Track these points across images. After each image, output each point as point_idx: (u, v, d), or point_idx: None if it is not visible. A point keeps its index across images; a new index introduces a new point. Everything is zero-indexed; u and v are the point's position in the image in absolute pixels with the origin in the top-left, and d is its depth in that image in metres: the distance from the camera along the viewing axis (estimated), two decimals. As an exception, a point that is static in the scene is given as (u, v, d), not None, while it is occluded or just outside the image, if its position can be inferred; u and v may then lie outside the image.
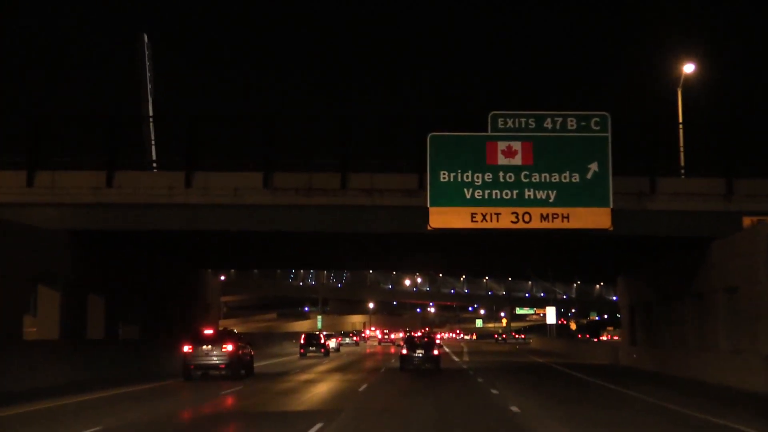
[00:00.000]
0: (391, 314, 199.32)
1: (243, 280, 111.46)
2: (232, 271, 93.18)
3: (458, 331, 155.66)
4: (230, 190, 26.90)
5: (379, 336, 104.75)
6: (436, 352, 35.29)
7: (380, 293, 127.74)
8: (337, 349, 62.51)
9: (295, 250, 38.58)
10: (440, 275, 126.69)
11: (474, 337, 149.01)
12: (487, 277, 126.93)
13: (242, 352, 29.41)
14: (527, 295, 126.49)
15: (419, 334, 46.22)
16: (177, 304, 40.46)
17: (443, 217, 25.83)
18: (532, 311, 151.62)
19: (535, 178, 25.74)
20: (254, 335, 59.38)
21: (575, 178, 25.71)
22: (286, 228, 27.92)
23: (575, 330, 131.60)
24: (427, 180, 25.90)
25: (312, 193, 26.79)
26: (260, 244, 35.62)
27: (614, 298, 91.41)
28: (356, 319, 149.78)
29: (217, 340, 28.62)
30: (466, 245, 34.82)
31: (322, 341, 51.64)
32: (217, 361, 28.11)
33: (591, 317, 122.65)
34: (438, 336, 71.75)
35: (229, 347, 28.35)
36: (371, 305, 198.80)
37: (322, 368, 38.06)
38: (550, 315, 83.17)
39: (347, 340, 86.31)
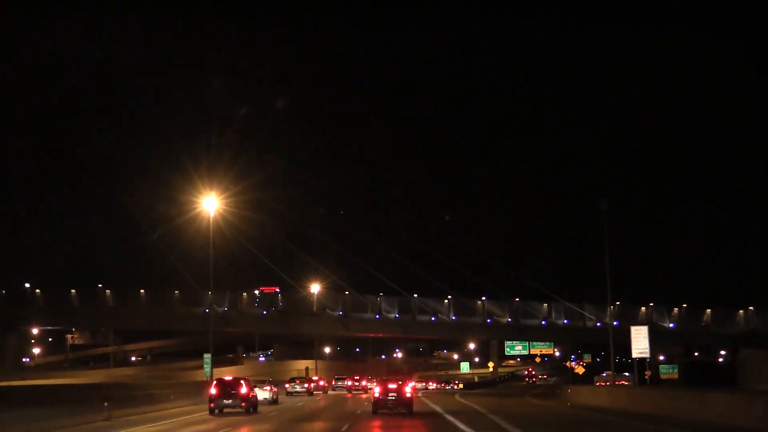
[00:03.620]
0: (352, 360, 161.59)
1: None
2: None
3: (439, 383, 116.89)
4: None
5: (349, 383, 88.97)
6: (408, 394, 35.75)
7: (327, 322, 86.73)
8: (273, 401, 49.45)
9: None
10: (415, 296, 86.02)
11: (459, 385, 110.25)
12: (483, 298, 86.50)
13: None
14: (544, 323, 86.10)
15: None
16: None
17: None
18: (545, 345, 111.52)
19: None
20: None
21: None
22: None
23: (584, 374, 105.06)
24: None
25: None
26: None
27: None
28: (302, 365, 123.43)
29: None
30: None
31: (244, 390, 37.16)
32: None
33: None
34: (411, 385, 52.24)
35: None
36: (327, 350, 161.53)
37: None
38: (640, 338, 42.81)
39: (297, 387, 70.84)
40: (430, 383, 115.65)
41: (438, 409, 41.73)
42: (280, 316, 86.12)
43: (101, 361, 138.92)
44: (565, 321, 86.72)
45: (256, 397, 40.72)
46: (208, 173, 58.33)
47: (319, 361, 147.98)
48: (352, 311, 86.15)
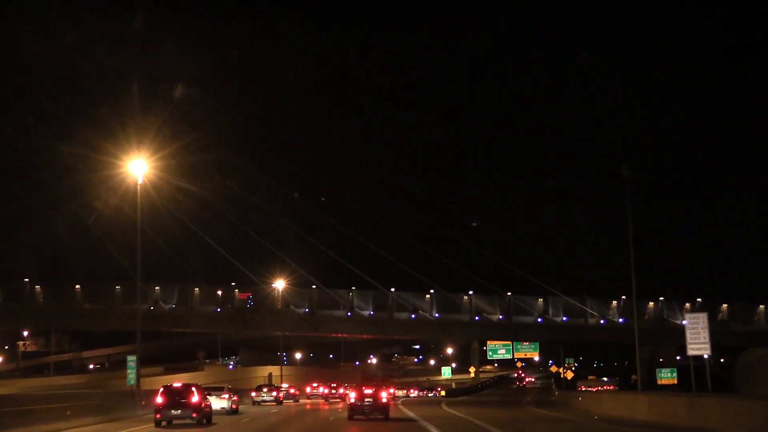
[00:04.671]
0: (323, 366, 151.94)
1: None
2: None
3: (421, 390, 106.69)
4: None
5: (325, 391, 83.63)
6: (384, 399, 35.68)
7: (291, 321, 75.38)
8: (232, 411, 44.51)
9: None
10: (393, 290, 74.85)
11: (442, 393, 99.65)
12: (471, 292, 75.47)
13: None
14: (540, 320, 75.19)
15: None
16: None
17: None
18: (529, 348, 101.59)
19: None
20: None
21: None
22: None
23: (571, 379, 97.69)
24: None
25: None
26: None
27: None
28: (270, 372, 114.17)
29: None
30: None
31: (195, 399, 33.56)
32: None
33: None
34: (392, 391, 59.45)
35: None
36: (298, 355, 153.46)
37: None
38: (698, 329, 31.97)
39: (264, 396, 63.05)
40: (412, 390, 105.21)
41: (431, 429, 30.89)
42: (237, 314, 74.63)
43: (60, 370, 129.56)
44: (564, 318, 75.92)
45: (210, 406, 36.82)
46: (140, 139, 46.92)
47: (288, 367, 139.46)
48: (319, 308, 74.87)
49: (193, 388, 34.50)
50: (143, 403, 40.23)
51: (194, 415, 33.65)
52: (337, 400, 74.67)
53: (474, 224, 77.20)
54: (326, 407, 57.49)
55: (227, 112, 69.54)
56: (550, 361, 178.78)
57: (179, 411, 33.48)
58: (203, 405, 34.83)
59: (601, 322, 75.78)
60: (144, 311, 72.33)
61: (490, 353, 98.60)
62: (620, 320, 76.10)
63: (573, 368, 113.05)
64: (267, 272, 73.70)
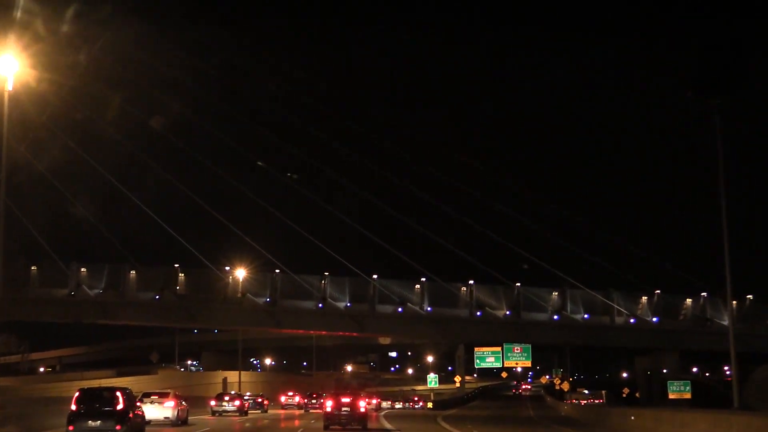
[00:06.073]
0: (295, 374, 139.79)
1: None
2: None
3: (405, 401, 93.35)
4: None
5: (305, 401, 71.85)
6: (363, 409, 34.57)
7: (249, 313, 60.84)
8: (179, 422, 39.31)
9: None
10: (375, 277, 60.36)
11: (429, 405, 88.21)
12: (471, 282, 61.07)
13: None
14: (556, 317, 61.03)
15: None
16: None
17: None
18: (521, 357, 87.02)
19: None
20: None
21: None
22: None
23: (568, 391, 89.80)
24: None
25: None
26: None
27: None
28: (235, 377, 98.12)
29: None
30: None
31: (120, 406, 28.94)
32: None
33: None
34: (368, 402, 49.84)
35: None
36: (269, 361, 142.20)
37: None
38: None
39: (225, 405, 53.45)
40: (397, 403, 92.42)
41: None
42: (181, 304, 59.97)
43: (8, 373, 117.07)
44: (585, 315, 61.79)
45: (142, 416, 32.75)
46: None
47: (255, 373, 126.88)
48: (284, 298, 60.46)
49: (118, 393, 29.69)
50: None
51: (118, 427, 28.88)
52: (319, 411, 61.45)
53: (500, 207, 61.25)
54: (297, 422, 47.32)
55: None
56: (530, 373, 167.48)
57: (98, 422, 28.89)
58: (132, 414, 29.99)
59: (631, 321, 61.72)
60: (64, 297, 58.05)
61: (478, 361, 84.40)
62: (653, 319, 62.10)
63: (570, 379, 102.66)
64: (219, 252, 59.46)
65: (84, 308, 59.20)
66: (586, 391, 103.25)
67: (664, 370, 72.84)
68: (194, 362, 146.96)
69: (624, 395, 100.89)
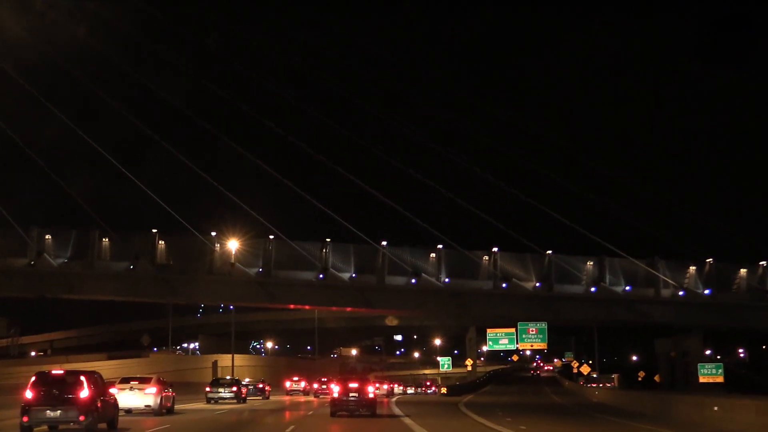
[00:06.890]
0: (297, 358, 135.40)
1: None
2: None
3: (417, 386, 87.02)
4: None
5: (314, 386, 69.70)
6: (371, 394, 34.05)
7: (238, 286, 52.89)
8: (162, 410, 35.36)
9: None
10: (384, 243, 52.27)
11: (443, 390, 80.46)
12: (495, 249, 52.89)
13: None
14: (593, 290, 52.88)
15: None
16: None
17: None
18: (536, 338, 79.00)
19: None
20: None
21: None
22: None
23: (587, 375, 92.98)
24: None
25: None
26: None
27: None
28: (227, 361, 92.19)
29: None
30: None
31: (84, 394, 25.73)
32: None
33: None
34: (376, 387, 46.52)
35: None
36: (270, 344, 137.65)
37: None
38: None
39: (221, 392, 48.84)
40: (409, 388, 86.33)
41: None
42: (159, 275, 51.87)
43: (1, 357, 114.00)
44: (627, 287, 53.58)
45: (114, 404, 28.12)
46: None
47: (253, 357, 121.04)
48: (278, 268, 52.40)
49: (82, 377, 26.36)
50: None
51: (81, 417, 25.69)
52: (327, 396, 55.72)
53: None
54: (301, 410, 43.53)
55: None
56: (537, 357, 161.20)
57: (58, 412, 25.74)
58: (99, 402, 26.55)
59: (680, 293, 53.47)
60: (24, 268, 50.08)
61: (491, 343, 76.47)
62: (705, 291, 53.95)
63: (590, 362, 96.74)
64: (206, 217, 51.50)
65: (46, 281, 51.13)
66: (595, 375, 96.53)
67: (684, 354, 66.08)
68: (195, 345, 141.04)
69: (639, 379, 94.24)
